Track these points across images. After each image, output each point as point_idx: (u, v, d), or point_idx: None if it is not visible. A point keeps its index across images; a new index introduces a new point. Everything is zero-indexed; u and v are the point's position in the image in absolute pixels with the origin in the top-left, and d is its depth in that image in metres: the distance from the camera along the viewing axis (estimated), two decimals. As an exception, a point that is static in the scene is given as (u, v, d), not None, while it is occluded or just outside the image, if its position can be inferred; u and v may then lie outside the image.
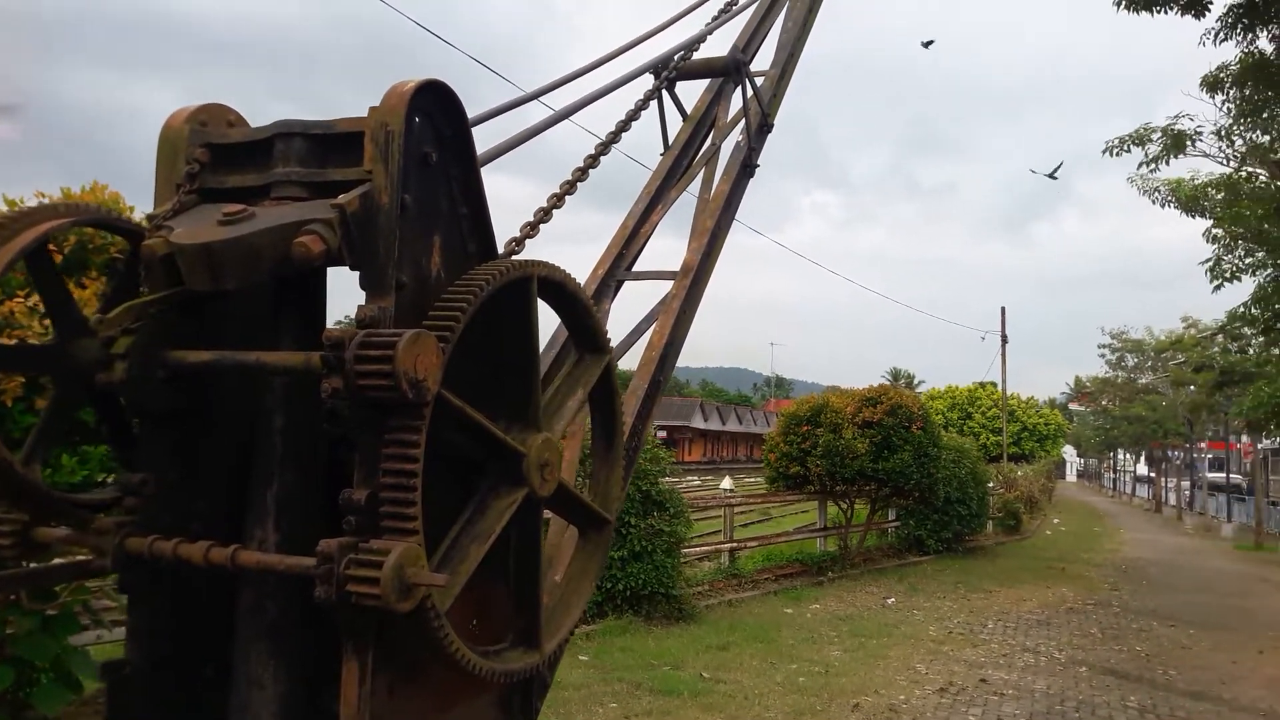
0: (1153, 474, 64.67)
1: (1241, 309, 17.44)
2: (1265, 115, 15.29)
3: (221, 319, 2.36)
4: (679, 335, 4.86)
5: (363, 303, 2.12)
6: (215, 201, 2.36)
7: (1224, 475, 45.37)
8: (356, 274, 2.16)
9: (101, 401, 2.46)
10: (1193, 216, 20.67)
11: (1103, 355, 49.04)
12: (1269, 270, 16.06)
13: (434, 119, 2.24)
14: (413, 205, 2.18)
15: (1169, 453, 51.15)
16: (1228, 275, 15.42)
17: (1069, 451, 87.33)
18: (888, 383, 47.62)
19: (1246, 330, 25.97)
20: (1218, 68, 15.81)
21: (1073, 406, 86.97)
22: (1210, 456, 51.03)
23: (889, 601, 15.80)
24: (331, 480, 2.25)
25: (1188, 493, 47.83)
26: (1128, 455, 72.70)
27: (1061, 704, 9.83)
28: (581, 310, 2.65)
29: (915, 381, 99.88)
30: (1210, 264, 15.83)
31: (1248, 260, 14.72)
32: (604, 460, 2.87)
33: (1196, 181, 20.06)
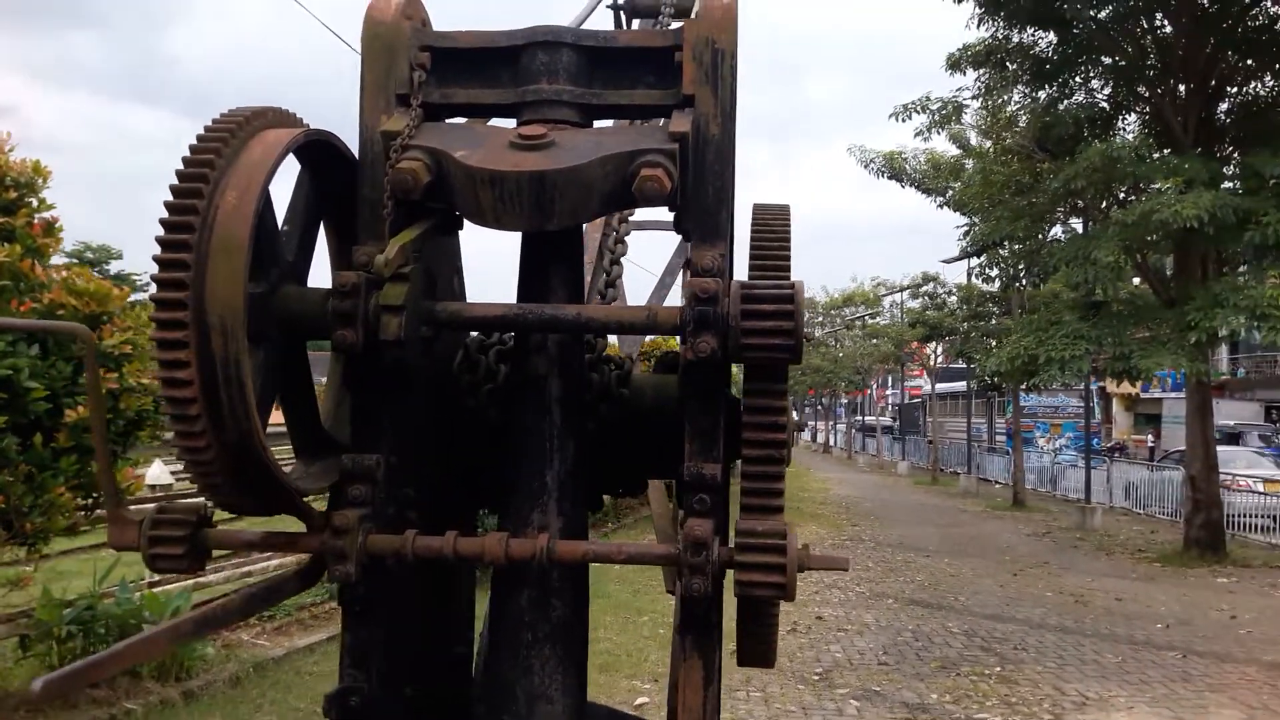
0: (799, 419, 71.55)
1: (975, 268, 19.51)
2: (1001, 99, 17.08)
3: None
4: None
5: (692, 250, 1.83)
6: (436, 119, 1.93)
7: (890, 419, 51.22)
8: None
9: (295, 365, 1.93)
10: (904, 187, 22.96)
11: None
12: (997, 234, 17.96)
13: None
14: None
15: (838, 400, 56.62)
16: (982, 240, 17.25)
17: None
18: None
19: (939, 289, 29.38)
20: (960, 48, 17.40)
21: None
22: (845, 402, 57.39)
23: (676, 548, 16.24)
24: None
25: (855, 434, 53.55)
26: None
27: (901, 635, 10.58)
28: None
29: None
30: (966, 230, 17.72)
31: (999, 228, 16.44)
32: None
33: (904, 156, 22.25)
